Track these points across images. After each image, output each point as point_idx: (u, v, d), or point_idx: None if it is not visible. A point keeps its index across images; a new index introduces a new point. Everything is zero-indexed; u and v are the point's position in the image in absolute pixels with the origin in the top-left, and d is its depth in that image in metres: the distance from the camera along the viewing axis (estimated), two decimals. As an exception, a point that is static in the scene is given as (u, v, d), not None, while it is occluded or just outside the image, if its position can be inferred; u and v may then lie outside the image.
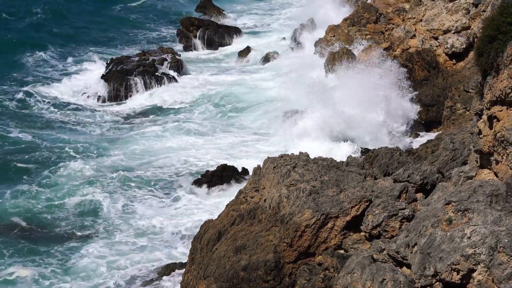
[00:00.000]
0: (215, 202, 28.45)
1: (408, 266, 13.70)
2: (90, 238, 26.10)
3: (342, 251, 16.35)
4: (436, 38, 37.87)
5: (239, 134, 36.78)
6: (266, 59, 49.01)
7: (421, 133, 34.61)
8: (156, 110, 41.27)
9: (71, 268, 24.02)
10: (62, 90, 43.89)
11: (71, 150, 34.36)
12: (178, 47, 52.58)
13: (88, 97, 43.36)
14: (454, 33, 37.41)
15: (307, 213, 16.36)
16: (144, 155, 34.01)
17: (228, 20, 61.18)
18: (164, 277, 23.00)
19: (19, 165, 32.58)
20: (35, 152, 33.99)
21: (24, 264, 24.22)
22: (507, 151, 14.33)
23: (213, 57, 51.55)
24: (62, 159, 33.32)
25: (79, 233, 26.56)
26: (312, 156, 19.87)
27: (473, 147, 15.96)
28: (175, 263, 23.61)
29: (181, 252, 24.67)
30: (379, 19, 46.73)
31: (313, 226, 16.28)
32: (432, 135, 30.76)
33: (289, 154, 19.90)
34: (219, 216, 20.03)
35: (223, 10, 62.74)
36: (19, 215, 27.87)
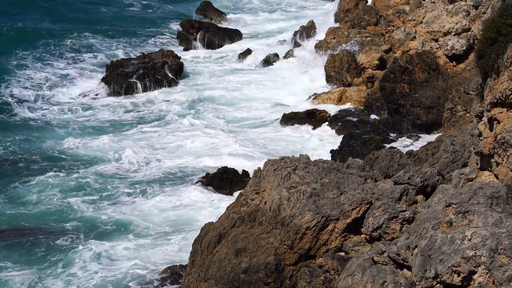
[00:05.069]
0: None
1: (409, 268, 13.69)
2: (87, 240, 26.02)
3: (342, 253, 16.34)
4: (436, 40, 37.88)
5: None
6: (267, 61, 48.95)
7: (421, 135, 34.60)
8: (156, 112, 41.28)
9: (66, 273, 23.93)
10: (61, 92, 43.84)
11: (70, 151, 34.43)
12: (179, 49, 52.60)
13: (87, 99, 43.35)
14: (454, 35, 37.43)
15: (308, 215, 16.35)
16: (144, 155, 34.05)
17: (228, 22, 61.14)
18: (165, 280, 22.99)
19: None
20: (29, 153, 34.04)
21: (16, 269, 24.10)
22: (508, 153, 14.32)
23: (213, 59, 51.54)
24: (57, 160, 33.40)
25: (75, 235, 26.47)
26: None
27: (474, 149, 15.95)
28: (176, 265, 23.58)
29: (181, 255, 24.65)
30: (379, 21, 46.78)
31: (313, 229, 16.27)
32: (432, 137, 30.73)
33: (290, 156, 19.90)
34: (219, 218, 20.01)
35: (223, 13, 62.74)
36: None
